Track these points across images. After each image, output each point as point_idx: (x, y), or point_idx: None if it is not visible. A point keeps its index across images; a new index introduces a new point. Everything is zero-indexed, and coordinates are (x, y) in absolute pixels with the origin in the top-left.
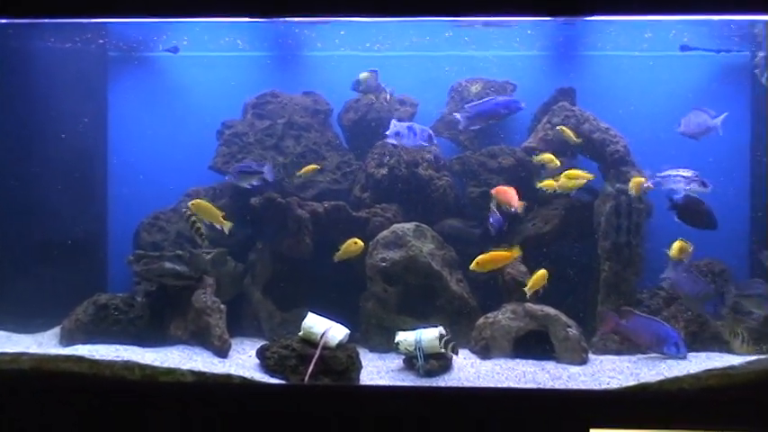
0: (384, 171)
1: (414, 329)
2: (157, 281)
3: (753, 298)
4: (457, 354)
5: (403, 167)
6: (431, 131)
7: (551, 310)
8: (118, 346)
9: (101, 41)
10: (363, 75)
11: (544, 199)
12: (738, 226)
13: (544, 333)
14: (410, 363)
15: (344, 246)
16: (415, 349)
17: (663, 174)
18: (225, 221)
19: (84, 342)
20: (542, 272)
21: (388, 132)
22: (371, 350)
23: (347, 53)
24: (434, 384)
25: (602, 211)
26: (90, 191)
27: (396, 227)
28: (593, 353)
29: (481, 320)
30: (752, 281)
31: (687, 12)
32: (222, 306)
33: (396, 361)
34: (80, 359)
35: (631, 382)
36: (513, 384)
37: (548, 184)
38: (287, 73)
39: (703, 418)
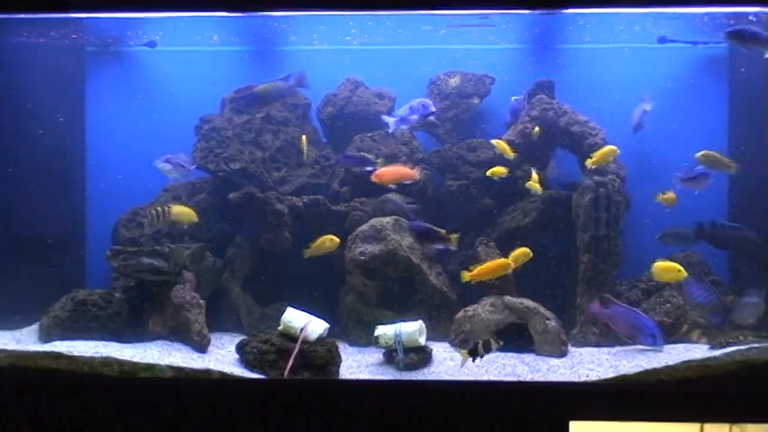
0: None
1: (393, 323)
2: (136, 276)
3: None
4: (490, 351)
5: (381, 161)
6: (427, 100)
7: (530, 303)
8: (96, 343)
9: (75, 36)
10: None
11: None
12: (716, 214)
13: (524, 326)
14: (390, 356)
15: (317, 242)
16: (395, 343)
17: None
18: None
19: (63, 338)
20: (525, 249)
21: (390, 131)
22: (351, 344)
23: (325, 47)
24: (414, 378)
25: (581, 204)
26: (68, 186)
27: (374, 221)
28: (573, 345)
29: (461, 314)
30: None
31: (672, 4)
32: (201, 301)
33: (375, 355)
34: (58, 356)
35: (611, 374)
36: (492, 377)
37: (534, 185)
38: (264, 68)
39: (682, 410)
